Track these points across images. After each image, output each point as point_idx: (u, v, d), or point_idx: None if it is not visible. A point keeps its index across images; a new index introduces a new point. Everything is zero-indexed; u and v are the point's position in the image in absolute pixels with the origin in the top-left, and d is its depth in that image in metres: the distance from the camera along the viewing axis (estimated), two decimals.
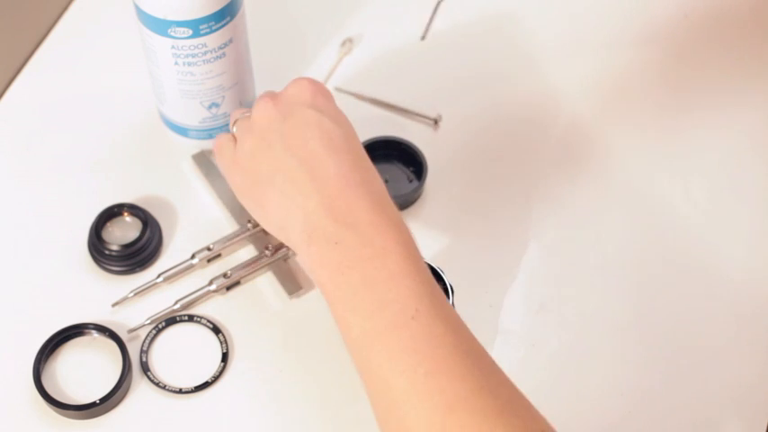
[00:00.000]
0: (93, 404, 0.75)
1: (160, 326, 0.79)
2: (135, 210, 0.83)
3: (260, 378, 0.78)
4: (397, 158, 0.87)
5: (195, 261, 0.82)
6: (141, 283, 0.81)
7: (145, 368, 0.77)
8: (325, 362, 0.77)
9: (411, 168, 0.87)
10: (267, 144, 0.70)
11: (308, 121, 0.69)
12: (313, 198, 0.67)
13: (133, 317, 0.80)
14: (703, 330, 0.80)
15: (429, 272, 0.65)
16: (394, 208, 0.68)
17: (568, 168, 0.88)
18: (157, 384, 0.77)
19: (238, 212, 0.84)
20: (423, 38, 0.79)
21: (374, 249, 0.64)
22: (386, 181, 0.85)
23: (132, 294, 0.80)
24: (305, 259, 0.67)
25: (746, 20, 0.97)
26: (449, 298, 0.75)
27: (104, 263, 0.81)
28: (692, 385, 0.78)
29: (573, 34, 0.96)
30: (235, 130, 0.74)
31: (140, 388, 0.77)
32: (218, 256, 0.83)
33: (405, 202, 0.85)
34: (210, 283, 0.81)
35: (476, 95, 0.92)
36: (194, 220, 0.85)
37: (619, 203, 0.86)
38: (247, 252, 0.83)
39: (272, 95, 0.72)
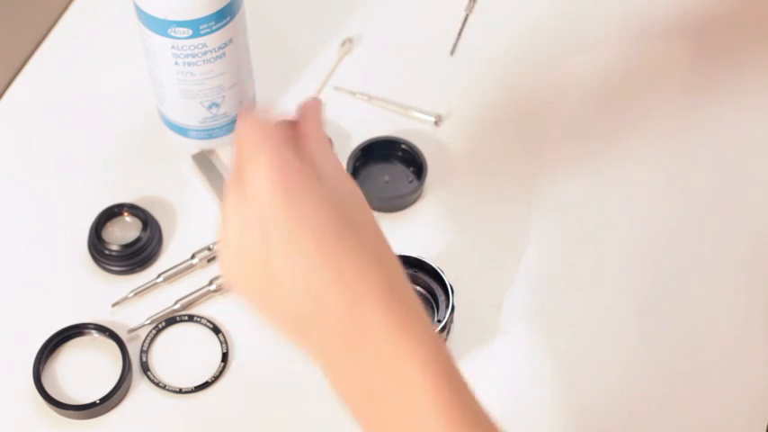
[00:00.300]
0: (93, 404, 0.75)
1: (160, 326, 0.79)
2: (135, 210, 0.83)
3: (260, 378, 0.78)
4: (397, 158, 0.87)
5: (195, 261, 0.82)
6: (141, 283, 0.81)
7: (145, 368, 0.77)
8: None
9: (411, 168, 0.87)
10: (250, 259, 0.59)
11: (292, 239, 0.57)
12: (325, 330, 0.57)
13: (133, 317, 0.80)
14: (704, 330, 0.80)
15: (469, 392, 0.56)
16: (416, 303, 0.58)
17: (569, 168, 0.88)
18: (157, 384, 0.77)
19: None
20: (452, 53, 0.79)
21: (401, 382, 0.56)
22: (386, 182, 0.86)
23: (132, 294, 0.80)
24: (326, 377, 0.59)
25: (743, 15, 0.97)
26: (448, 298, 0.75)
27: (104, 263, 0.81)
28: (693, 385, 0.78)
29: (573, 33, 0.96)
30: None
31: (140, 388, 0.77)
32: None
33: (405, 202, 0.85)
34: (210, 283, 0.81)
35: (476, 95, 0.92)
36: (194, 220, 0.85)
37: (619, 203, 0.86)
38: None
39: (236, 184, 0.59)
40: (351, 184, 0.61)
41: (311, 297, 0.57)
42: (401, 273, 0.59)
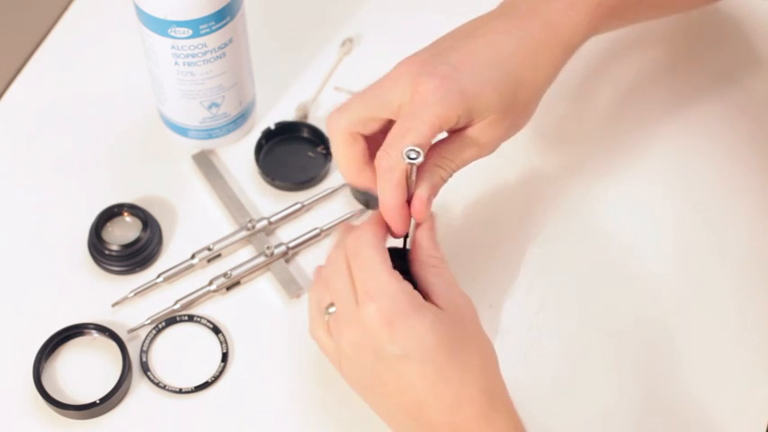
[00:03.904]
0: (93, 404, 0.75)
1: (160, 326, 0.79)
2: (135, 210, 0.83)
3: (260, 378, 0.78)
4: None
5: (195, 261, 0.82)
6: (141, 283, 0.81)
7: (145, 368, 0.77)
8: (325, 362, 0.77)
9: None
10: (364, 371, 0.67)
11: (400, 369, 0.65)
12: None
13: (133, 317, 0.80)
14: (704, 329, 0.80)
15: None
16: (514, 418, 0.66)
17: (569, 168, 0.88)
18: (157, 384, 0.77)
19: (238, 212, 0.84)
20: None
21: None
22: None
23: (132, 294, 0.80)
24: None
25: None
26: None
27: (104, 263, 0.81)
28: (692, 385, 0.78)
29: None
30: (326, 318, 0.70)
31: (140, 388, 0.77)
32: (218, 256, 0.83)
33: None
34: (210, 283, 0.81)
35: None
36: (194, 220, 0.85)
37: (620, 204, 0.86)
38: (247, 252, 0.83)
39: (348, 306, 0.67)
40: (461, 302, 0.68)
41: (414, 414, 0.65)
42: (503, 392, 0.66)
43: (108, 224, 0.83)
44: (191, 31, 0.77)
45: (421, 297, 0.66)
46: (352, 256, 0.67)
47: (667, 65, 0.94)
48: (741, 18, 0.97)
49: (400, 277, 0.66)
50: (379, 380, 0.66)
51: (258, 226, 0.83)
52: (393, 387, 0.65)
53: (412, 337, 0.64)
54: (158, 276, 0.81)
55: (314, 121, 0.90)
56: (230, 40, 0.80)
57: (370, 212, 0.85)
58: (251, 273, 0.81)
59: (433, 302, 0.67)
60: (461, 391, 0.64)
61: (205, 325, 0.80)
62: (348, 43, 0.94)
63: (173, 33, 0.77)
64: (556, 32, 0.73)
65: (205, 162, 0.87)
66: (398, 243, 0.72)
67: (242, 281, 0.81)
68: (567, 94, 0.92)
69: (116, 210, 0.83)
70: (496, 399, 0.65)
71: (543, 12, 0.73)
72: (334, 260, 0.69)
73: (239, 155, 0.88)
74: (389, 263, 0.67)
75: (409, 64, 0.71)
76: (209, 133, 0.86)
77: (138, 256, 0.81)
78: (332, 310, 0.68)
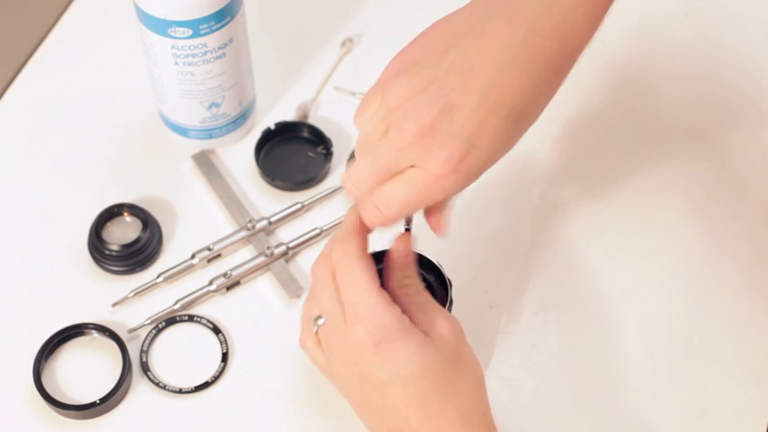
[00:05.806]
0: (93, 404, 0.75)
1: (160, 326, 0.79)
2: (135, 210, 0.83)
3: (260, 378, 0.78)
4: None
5: (195, 261, 0.82)
6: (141, 283, 0.81)
7: (145, 368, 0.78)
8: None
9: None
10: (350, 386, 0.68)
11: (384, 393, 0.65)
12: None
13: (133, 317, 0.80)
14: (704, 330, 0.80)
15: None
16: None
17: (568, 168, 0.88)
18: (157, 384, 0.77)
19: (238, 212, 0.84)
20: None
21: None
22: None
23: (132, 294, 0.80)
24: None
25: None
26: (447, 292, 0.75)
27: (104, 263, 0.81)
28: (693, 385, 0.78)
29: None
30: (314, 329, 0.69)
31: (140, 388, 0.77)
32: (218, 256, 0.83)
33: None
34: (210, 283, 0.81)
35: None
36: (194, 220, 0.85)
37: (620, 203, 0.86)
38: (247, 252, 0.83)
39: (337, 327, 0.66)
40: (442, 326, 0.66)
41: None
42: (485, 414, 0.66)
43: (108, 224, 0.83)
44: (191, 31, 0.77)
45: (408, 320, 0.66)
46: (339, 271, 0.66)
47: (671, 68, 0.94)
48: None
49: (388, 298, 0.66)
50: (366, 399, 0.66)
51: (258, 226, 0.83)
52: (377, 407, 0.66)
53: (398, 362, 0.64)
54: (158, 276, 0.81)
55: (314, 121, 0.90)
56: (230, 40, 0.80)
57: None
58: (251, 273, 0.81)
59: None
60: (441, 416, 0.64)
61: (205, 325, 0.80)
62: (348, 43, 0.94)
63: (173, 33, 0.77)
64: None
65: (205, 162, 0.87)
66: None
67: (242, 281, 0.81)
68: (566, 94, 0.92)
69: (116, 210, 0.83)
70: (476, 422, 0.65)
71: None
72: (318, 273, 0.68)
73: (239, 155, 0.88)
74: (377, 281, 0.66)
75: (421, 123, 0.63)
76: (210, 133, 0.86)
77: (138, 256, 0.81)
78: (320, 321, 0.68)
